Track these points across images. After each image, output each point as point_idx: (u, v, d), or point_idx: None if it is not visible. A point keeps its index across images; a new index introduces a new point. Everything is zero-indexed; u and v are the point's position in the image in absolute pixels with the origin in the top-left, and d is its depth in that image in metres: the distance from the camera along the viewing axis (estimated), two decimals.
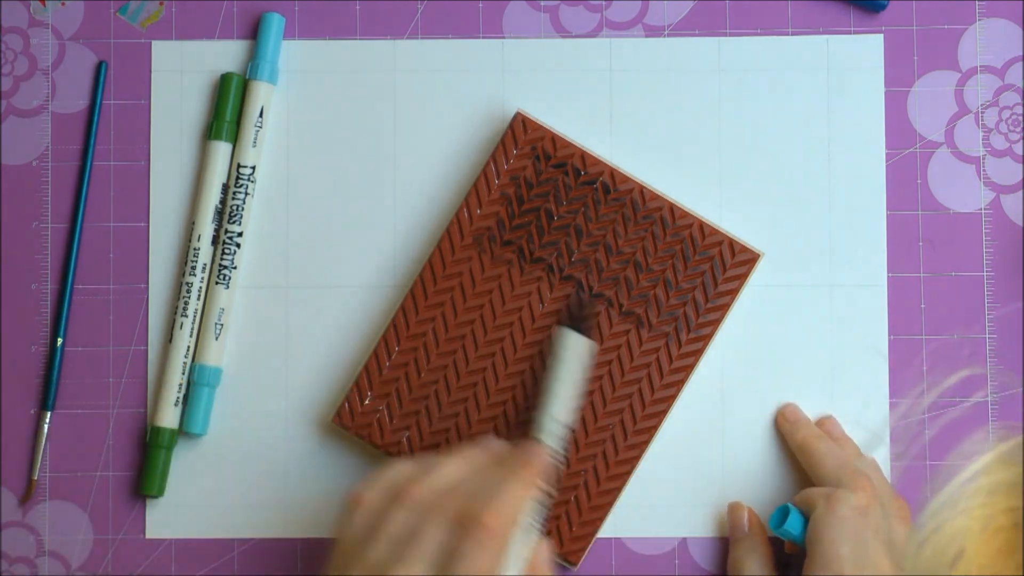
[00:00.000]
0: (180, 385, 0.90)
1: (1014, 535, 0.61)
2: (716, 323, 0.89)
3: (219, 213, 0.91)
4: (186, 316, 0.90)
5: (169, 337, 0.90)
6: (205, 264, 0.90)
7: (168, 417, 0.90)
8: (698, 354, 0.89)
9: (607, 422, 0.88)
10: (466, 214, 0.89)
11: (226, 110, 0.91)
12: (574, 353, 0.86)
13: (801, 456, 0.88)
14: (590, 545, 0.88)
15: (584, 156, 0.89)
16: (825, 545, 0.81)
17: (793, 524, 0.84)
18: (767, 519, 0.88)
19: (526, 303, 0.89)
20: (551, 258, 0.89)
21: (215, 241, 0.90)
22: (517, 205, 0.89)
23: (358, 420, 0.89)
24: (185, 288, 0.90)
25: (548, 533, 0.88)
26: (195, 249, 0.90)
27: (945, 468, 0.64)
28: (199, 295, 0.90)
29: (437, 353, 0.89)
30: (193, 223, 0.90)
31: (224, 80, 0.91)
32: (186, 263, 0.90)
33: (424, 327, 0.89)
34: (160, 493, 0.90)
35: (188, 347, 0.90)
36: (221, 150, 0.91)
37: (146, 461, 0.90)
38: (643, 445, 0.88)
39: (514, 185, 0.89)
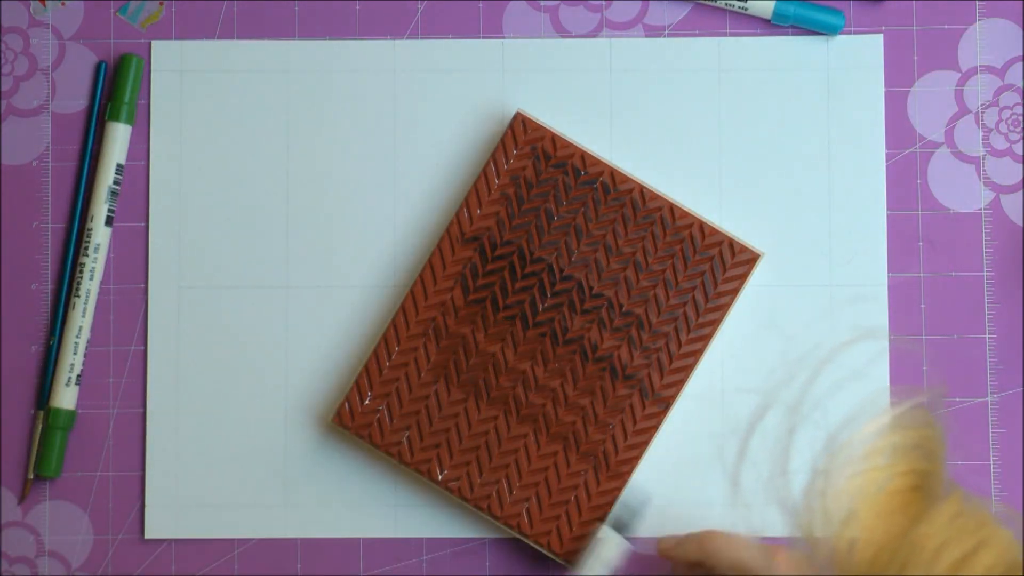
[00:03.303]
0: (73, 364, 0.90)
1: (910, 497, 0.62)
2: (716, 323, 0.89)
3: (113, 194, 0.91)
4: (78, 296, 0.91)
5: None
6: (99, 244, 0.91)
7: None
8: (698, 354, 0.89)
9: (607, 421, 0.88)
10: (466, 214, 0.89)
11: (125, 92, 0.91)
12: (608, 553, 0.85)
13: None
14: None
15: (584, 156, 0.89)
16: None
17: None
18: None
19: (526, 302, 0.89)
20: (551, 258, 0.89)
21: (109, 222, 0.91)
22: (517, 205, 0.89)
23: (358, 420, 0.89)
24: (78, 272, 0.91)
25: (548, 533, 0.88)
26: (88, 230, 0.91)
27: (836, 428, 0.64)
28: (90, 275, 0.91)
29: (437, 353, 0.89)
30: (89, 206, 0.91)
31: (124, 62, 0.91)
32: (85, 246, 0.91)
33: (424, 327, 0.89)
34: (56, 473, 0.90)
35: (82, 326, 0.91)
36: (120, 131, 0.91)
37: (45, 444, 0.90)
38: (643, 445, 0.88)
39: (514, 185, 0.89)
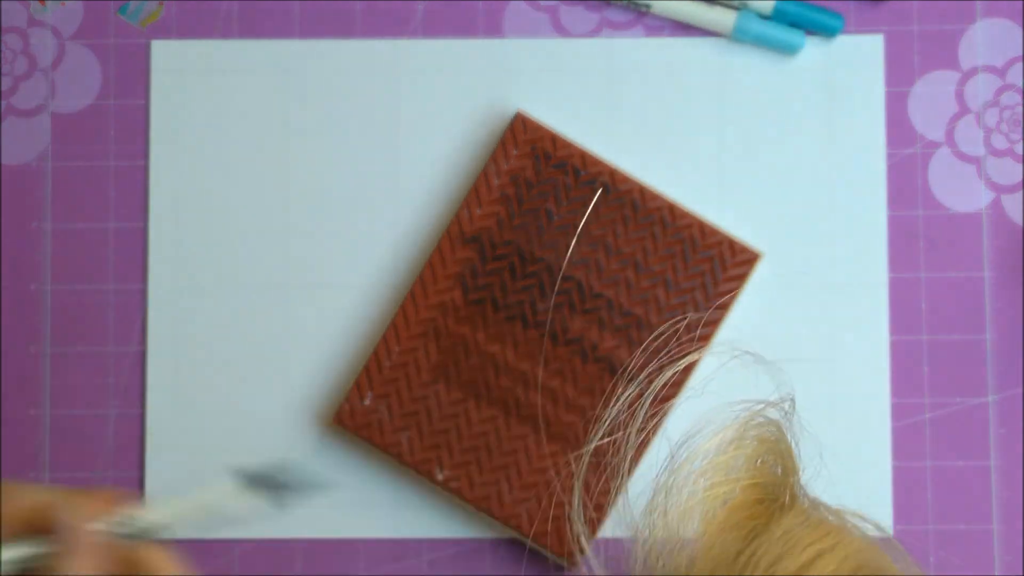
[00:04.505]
0: None
1: (755, 511, 0.60)
2: (716, 323, 0.89)
3: None
4: None
5: None
6: None
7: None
8: (698, 354, 0.89)
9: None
10: (466, 214, 0.89)
11: None
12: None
13: None
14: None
15: (584, 156, 0.89)
16: None
17: None
18: None
19: (526, 302, 0.89)
20: (551, 258, 0.89)
21: None
22: (517, 205, 0.89)
23: (358, 420, 0.89)
24: None
25: (548, 533, 0.88)
26: None
27: (677, 444, 0.62)
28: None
29: (437, 353, 0.89)
30: None
31: None
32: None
33: (424, 327, 0.89)
34: None
35: None
36: None
37: None
38: (644, 445, 0.88)
39: (514, 185, 0.89)
